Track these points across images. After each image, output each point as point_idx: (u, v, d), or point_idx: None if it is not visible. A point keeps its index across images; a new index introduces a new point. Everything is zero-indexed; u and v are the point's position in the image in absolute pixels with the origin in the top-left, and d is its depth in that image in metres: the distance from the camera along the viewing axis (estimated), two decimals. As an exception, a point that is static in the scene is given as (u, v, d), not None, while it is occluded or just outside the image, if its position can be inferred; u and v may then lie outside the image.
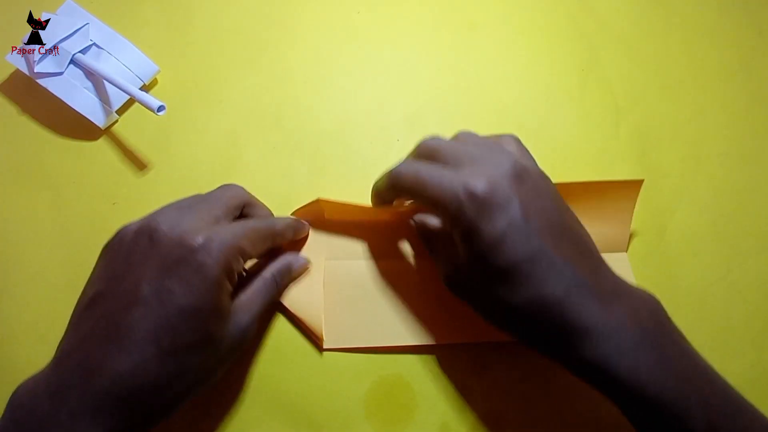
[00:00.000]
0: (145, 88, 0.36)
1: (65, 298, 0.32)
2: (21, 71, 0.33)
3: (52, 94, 0.33)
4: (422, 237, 0.31)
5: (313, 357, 0.30)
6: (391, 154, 0.35)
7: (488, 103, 0.37)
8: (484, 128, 0.36)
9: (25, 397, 0.22)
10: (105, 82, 0.34)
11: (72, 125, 0.35)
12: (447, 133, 0.36)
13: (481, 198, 0.23)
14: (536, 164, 0.27)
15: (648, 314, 0.23)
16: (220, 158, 0.35)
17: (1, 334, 0.31)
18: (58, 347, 0.24)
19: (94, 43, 0.34)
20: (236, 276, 0.25)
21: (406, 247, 0.33)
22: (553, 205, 0.24)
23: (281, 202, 0.34)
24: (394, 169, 0.26)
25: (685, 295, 0.32)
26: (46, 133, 0.36)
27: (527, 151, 0.28)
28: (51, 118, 0.36)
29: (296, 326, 0.31)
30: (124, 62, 0.35)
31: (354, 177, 0.35)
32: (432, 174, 0.24)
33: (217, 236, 0.23)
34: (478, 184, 0.23)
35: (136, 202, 0.34)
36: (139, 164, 0.35)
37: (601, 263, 0.25)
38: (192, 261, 0.22)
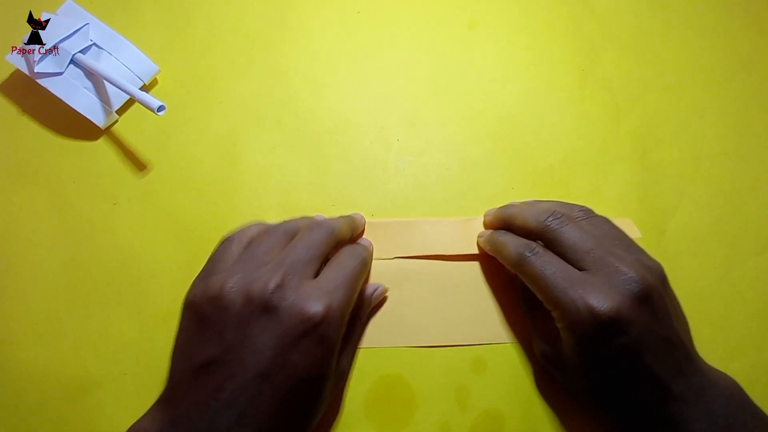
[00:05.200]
0: (145, 88, 0.36)
1: (65, 298, 0.32)
2: (21, 71, 0.33)
3: (52, 94, 0.33)
4: (524, 301, 0.31)
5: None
6: (391, 154, 0.35)
7: (488, 103, 0.37)
8: (484, 128, 0.36)
9: None
10: (105, 82, 0.34)
11: (72, 125, 0.35)
12: (446, 132, 0.36)
13: (604, 320, 0.23)
14: (648, 263, 0.27)
15: (728, 403, 0.25)
16: (220, 158, 0.35)
17: (1, 334, 0.31)
18: (165, 402, 0.24)
19: (94, 43, 0.34)
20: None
21: (407, 248, 0.33)
22: (667, 323, 0.25)
23: (281, 202, 0.34)
24: (526, 255, 0.27)
25: (685, 295, 0.32)
26: (46, 133, 0.36)
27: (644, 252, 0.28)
28: (51, 118, 0.36)
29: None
30: (124, 62, 0.35)
31: (354, 177, 0.35)
32: (557, 277, 0.25)
33: (333, 303, 0.24)
34: (603, 305, 0.23)
35: (136, 202, 0.34)
36: (139, 164, 0.35)
37: (690, 360, 0.25)
38: (314, 335, 0.23)
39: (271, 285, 0.24)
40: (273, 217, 0.33)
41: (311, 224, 0.28)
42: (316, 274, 0.26)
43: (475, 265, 0.32)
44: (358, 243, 0.30)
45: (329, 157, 0.35)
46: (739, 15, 0.39)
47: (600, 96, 0.37)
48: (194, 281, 0.26)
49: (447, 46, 0.38)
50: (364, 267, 0.28)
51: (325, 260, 0.27)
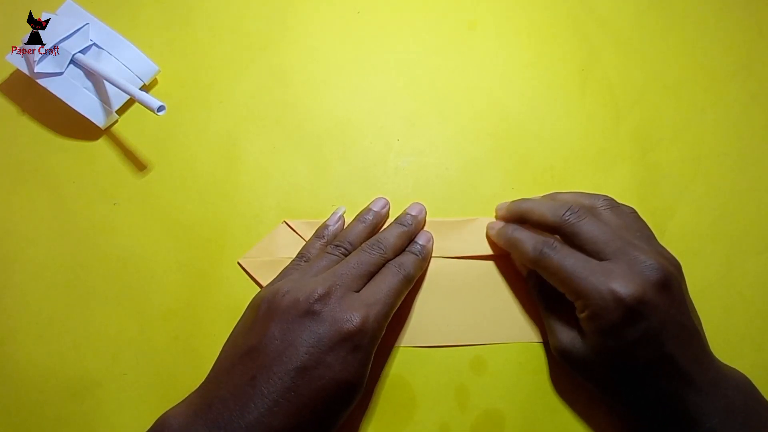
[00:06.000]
0: (145, 88, 0.36)
1: (65, 298, 0.32)
2: (21, 71, 0.33)
3: (52, 94, 0.33)
4: (541, 298, 0.30)
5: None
6: (391, 154, 0.35)
7: (488, 103, 0.37)
8: (484, 128, 0.36)
9: (178, 429, 0.24)
10: (105, 82, 0.34)
11: (72, 125, 0.35)
12: (446, 132, 0.36)
13: (629, 305, 0.24)
14: (666, 255, 0.27)
15: (743, 397, 0.25)
16: (220, 158, 0.35)
17: (1, 334, 0.31)
18: (203, 388, 0.26)
19: (94, 43, 0.34)
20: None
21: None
22: (686, 312, 0.25)
23: (281, 203, 0.34)
24: (545, 251, 0.27)
25: (685, 295, 0.32)
26: (46, 133, 0.36)
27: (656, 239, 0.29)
28: (51, 118, 0.36)
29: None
30: (124, 62, 0.35)
31: (354, 177, 0.35)
32: (578, 267, 0.26)
33: (370, 315, 0.26)
34: (627, 290, 0.24)
35: (136, 202, 0.34)
36: (139, 164, 0.35)
37: (706, 352, 0.26)
38: (349, 343, 0.25)
39: (317, 293, 0.26)
40: (272, 218, 0.34)
41: (372, 242, 0.29)
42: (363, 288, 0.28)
43: (477, 266, 0.32)
44: (407, 254, 0.30)
45: (329, 157, 0.35)
46: (739, 15, 0.39)
47: (600, 96, 0.37)
48: (265, 286, 0.29)
49: (447, 46, 0.38)
50: (406, 284, 0.29)
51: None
